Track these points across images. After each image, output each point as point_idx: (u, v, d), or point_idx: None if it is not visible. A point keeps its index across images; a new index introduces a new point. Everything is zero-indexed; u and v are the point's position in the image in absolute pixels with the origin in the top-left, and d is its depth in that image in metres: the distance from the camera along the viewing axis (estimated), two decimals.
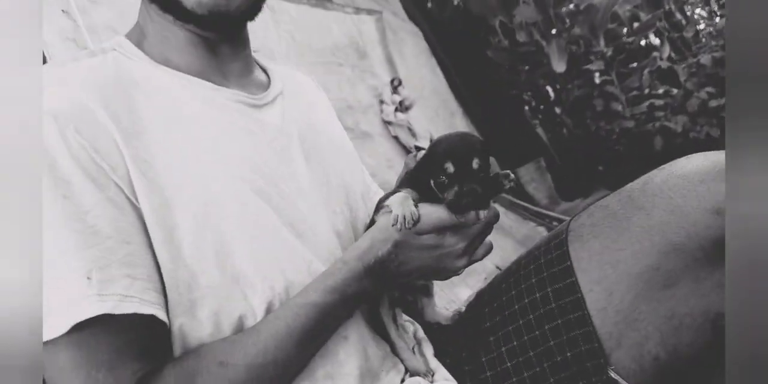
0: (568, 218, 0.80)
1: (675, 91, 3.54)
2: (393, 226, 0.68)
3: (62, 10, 1.57)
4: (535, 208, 2.81)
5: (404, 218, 0.67)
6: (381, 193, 0.92)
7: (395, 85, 3.32)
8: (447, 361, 0.80)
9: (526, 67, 4.17)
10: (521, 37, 4.12)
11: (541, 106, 4.62)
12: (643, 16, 3.80)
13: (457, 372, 0.77)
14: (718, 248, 0.64)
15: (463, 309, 0.87)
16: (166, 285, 0.63)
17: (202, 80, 0.74)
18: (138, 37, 0.76)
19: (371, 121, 3.03)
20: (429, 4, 4.42)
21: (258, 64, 0.87)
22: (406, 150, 3.04)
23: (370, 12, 3.67)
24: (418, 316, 0.87)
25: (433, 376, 0.76)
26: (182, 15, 0.72)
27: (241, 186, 0.69)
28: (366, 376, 0.71)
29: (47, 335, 0.56)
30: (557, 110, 4.41)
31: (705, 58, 3.30)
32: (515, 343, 0.74)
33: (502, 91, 4.44)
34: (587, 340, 0.69)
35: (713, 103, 3.11)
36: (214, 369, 0.61)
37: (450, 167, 0.67)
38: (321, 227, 0.74)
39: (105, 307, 0.56)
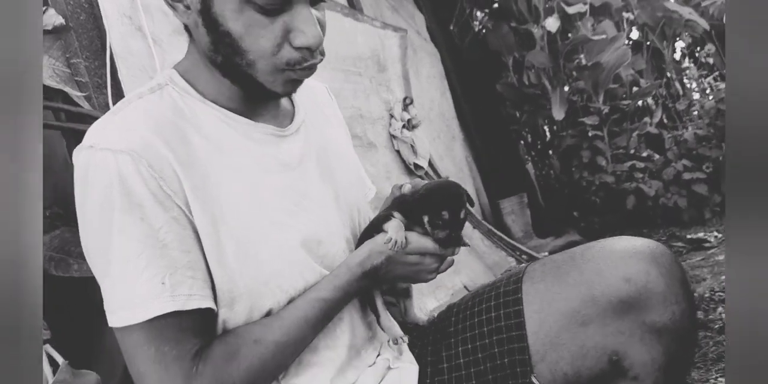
0: (536, 254, 1.02)
1: (657, 157, 3.83)
2: (385, 243, 0.90)
3: None
4: (510, 240, 3.06)
5: (395, 243, 0.89)
6: (374, 189, 1.14)
7: (407, 103, 3.52)
8: (415, 351, 1.02)
9: (531, 108, 4.41)
10: (530, 78, 4.39)
11: (538, 145, 4.87)
12: (644, 82, 4.09)
13: (422, 361, 1.00)
14: (621, 305, 0.87)
15: (435, 315, 1.12)
16: (215, 283, 0.80)
17: (241, 117, 0.87)
18: (190, 76, 0.87)
19: (379, 133, 3.20)
20: (452, 27, 4.60)
21: None
22: (405, 165, 3.26)
23: (396, 29, 3.80)
24: (400, 316, 1.10)
25: (404, 341, 0.97)
26: (255, 88, 0.83)
27: (270, 211, 0.85)
28: (352, 349, 0.94)
29: (125, 322, 0.73)
30: (549, 152, 4.67)
31: (688, 133, 3.60)
32: (469, 346, 0.97)
33: (503, 124, 4.67)
34: (521, 352, 0.92)
35: (686, 176, 3.40)
36: (251, 345, 0.80)
37: (446, 215, 0.88)
38: (336, 236, 0.95)
39: (177, 304, 0.74)
